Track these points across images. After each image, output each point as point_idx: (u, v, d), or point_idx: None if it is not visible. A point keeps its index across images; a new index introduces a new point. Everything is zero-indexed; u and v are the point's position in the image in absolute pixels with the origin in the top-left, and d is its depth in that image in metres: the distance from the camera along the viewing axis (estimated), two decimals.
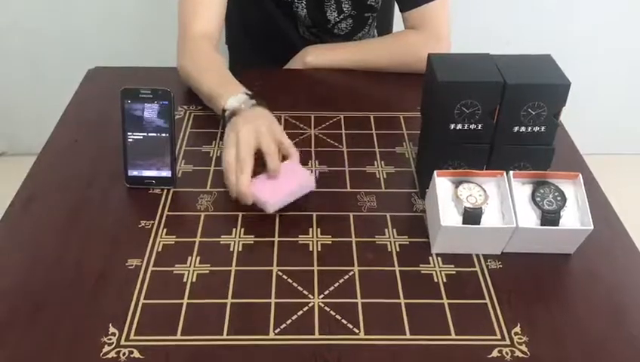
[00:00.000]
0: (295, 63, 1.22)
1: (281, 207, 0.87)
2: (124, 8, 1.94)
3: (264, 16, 1.25)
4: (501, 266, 0.82)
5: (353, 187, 0.95)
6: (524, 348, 0.71)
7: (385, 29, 1.45)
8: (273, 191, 0.87)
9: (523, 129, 0.86)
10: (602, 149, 2.03)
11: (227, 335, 0.72)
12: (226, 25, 1.38)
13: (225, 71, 1.06)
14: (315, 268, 0.81)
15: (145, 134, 0.91)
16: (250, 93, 0.98)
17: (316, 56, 1.17)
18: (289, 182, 0.89)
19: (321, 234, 0.86)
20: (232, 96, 0.96)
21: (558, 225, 0.80)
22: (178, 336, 0.72)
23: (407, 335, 0.72)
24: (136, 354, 0.70)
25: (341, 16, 1.20)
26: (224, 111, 0.96)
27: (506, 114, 0.85)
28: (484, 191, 0.82)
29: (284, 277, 0.79)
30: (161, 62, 1.23)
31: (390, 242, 0.85)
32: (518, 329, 0.74)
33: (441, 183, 0.83)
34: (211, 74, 1.06)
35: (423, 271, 0.81)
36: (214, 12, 1.14)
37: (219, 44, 1.18)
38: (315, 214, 0.89)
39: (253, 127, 0.88)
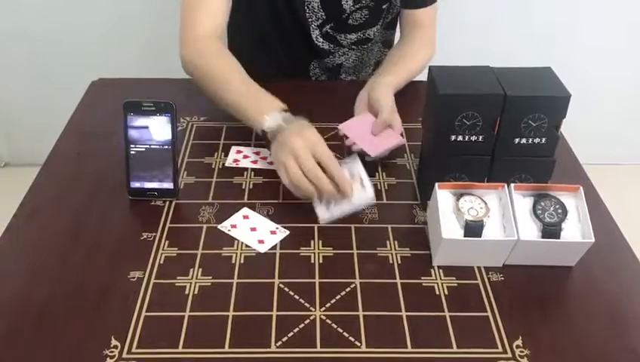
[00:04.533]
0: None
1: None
2: (129, 20, 1.95)
3: (274, 22, 1.24)
4: (503, 279, 0.82)
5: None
6: (525, 361, 0.71)
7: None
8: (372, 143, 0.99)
9: (524, 141, 0.86)
10: (603, 159, 2.03)
11: (229, 347, 0.72)
12: (232, 33, 1.38)
13: (248, 78, 1.04)
14: (317, 280, 0.81)
15: (147, 146, 0.91)
16: (284, 107, 0.97)
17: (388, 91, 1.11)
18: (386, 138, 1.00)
19: (322, 247, 0.86)
20: (268, 114, 0.95)
21: (559, 238, 0.81)
22: (180, 349, 0.72)
23: (409, 349, 0.72)
24: None
25: (357, 6, 1.20)
26: (265, 132, 0.95)
27: (506, 126, 0.85)
28: (486, 203, 0.82)
29: (286, 289, 0.79)
30: (165, 74, 1.23)
31: (392, 254, 0.85)
32: (519, 342, 0.73)
33: (443, 195, 0.83)
34: (236, 83, 1.03)
35: (424, 284, 0.81)
36: (219, 8, 1.12)
37: (224, 39, 1.16)
38: (316, 226, 0.89)
39: (304, 138, 0.88)
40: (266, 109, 0.96)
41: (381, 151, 0.99)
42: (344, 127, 1.02)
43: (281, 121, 0.94)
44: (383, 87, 1.08)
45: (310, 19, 1.21)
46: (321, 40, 1.24)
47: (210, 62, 1.07)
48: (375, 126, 1.01)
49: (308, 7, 1.19)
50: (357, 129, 1.01)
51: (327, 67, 1.29)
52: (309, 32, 1.22)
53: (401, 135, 1.03)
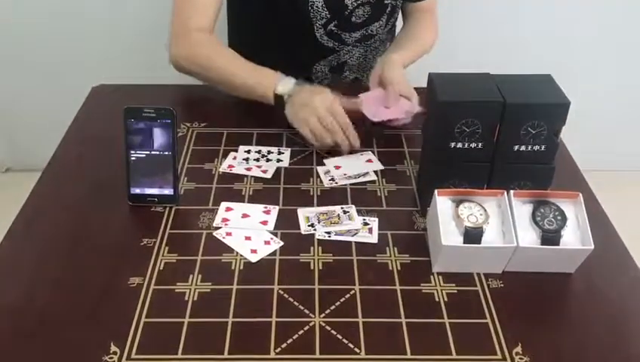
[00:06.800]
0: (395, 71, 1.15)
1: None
2: (131, 26, 1.96)
3: (277, 23, 1.24)
4: (502, 285, 0.82)
5: (354, 205, 0.95)
6: None
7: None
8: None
9: (523, 148, 0.87)
10: (603, 166, 2.03)
11: (228, 354, 0.72)
12: (232, 34, 1.38)
13: (246, 60, 1.14)
14: (316, 286, 0.81)
15: (147, 152, 0.91)
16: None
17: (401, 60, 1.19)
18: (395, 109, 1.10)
19: (322, 253, 0.86)
20: (279, 81, 1.08)
21: (558, 245, 0.81)
22: (179, 355, 0.72)
23: (408, 355, 0.72)
24: None
25: (359, 1, 1.21)
26: (278, 96, 1.07)
27: (506, 133, 0.85)
28: (485, 210, 0.82)
29: (285, 295, 0.79)
30: (165, 80, 1.24)
31: (391, 261, 0.85)
32: (519, 349, 0.73)
33: (442, 202, 0.83)
34: (238, 63, 1.13)
35: (424, 290, 0.81)
36: (211, 5, 1.18)
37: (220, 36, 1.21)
38: (316, 232, 0.89)
39: (322, 98, 1.03)
40: (274, 78, 1.09)
41: (381, 118, 1.09)
42: (363, 95, 1.11)
43: (292, 85, 1.07)
44: (393, 64, 1.15)
45: (314, 19, 1.21)
46: (325, 38, 1.24)
47: (210, 51, 1.15)
48: (387, 99, 1.10)
49: (312, 8, 1.20)
50: (373, 99, 1.11)
51: (331, 65, 1.30)
52: (313, 32, 1.23)
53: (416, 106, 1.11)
